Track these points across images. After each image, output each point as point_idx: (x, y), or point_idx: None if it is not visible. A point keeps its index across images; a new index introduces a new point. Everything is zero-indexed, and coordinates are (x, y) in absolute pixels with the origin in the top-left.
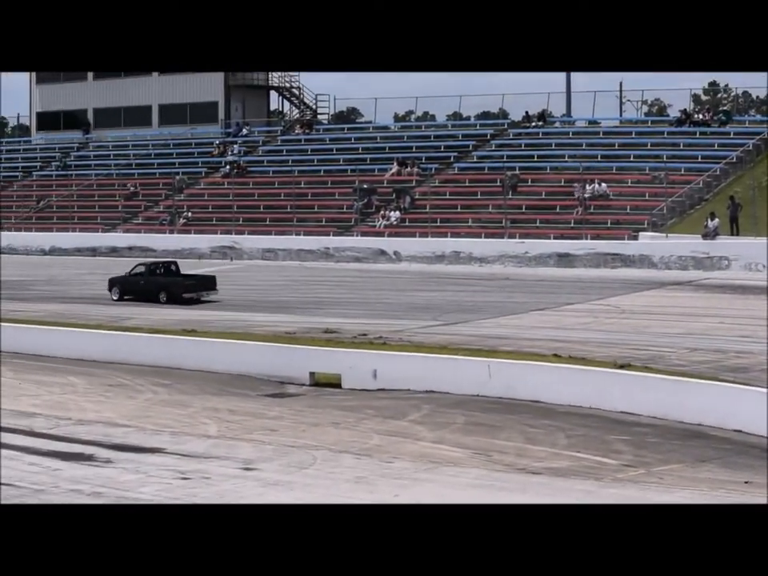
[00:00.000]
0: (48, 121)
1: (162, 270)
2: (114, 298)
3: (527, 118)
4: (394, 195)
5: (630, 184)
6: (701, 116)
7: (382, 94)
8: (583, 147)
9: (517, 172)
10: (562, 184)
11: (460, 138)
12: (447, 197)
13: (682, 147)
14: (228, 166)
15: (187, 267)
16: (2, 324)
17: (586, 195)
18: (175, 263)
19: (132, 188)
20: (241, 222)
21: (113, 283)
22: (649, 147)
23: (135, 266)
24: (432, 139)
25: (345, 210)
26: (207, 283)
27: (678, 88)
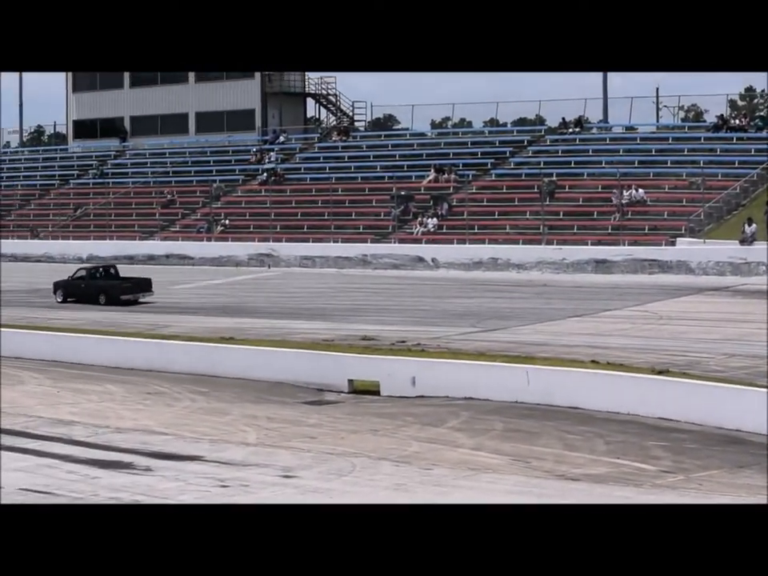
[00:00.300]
0: (85, 129)
1: (102, 274)
2: (58, 300)
3: (564, 124)
4: (432, 202)
5: (667, 190)
6: (737, 121)
7: (418, 101)
8: (620, 153)
9: (554, 178)
10: (600, 190)
11: (497, 145)
12: (484, 203)
13: (718, 153)
14: (265, 174)
15: (225, 275)
16: (40, 332)
17: (624, 201)
18: (114, 267)
19: (169, 196)
20: (278, 230)
21: (57, 286)
22: (686, 153)
23: (77, 271)
24: (469, 146)
25: (382, 217)
26: (143, 285)
27: (715, 93)
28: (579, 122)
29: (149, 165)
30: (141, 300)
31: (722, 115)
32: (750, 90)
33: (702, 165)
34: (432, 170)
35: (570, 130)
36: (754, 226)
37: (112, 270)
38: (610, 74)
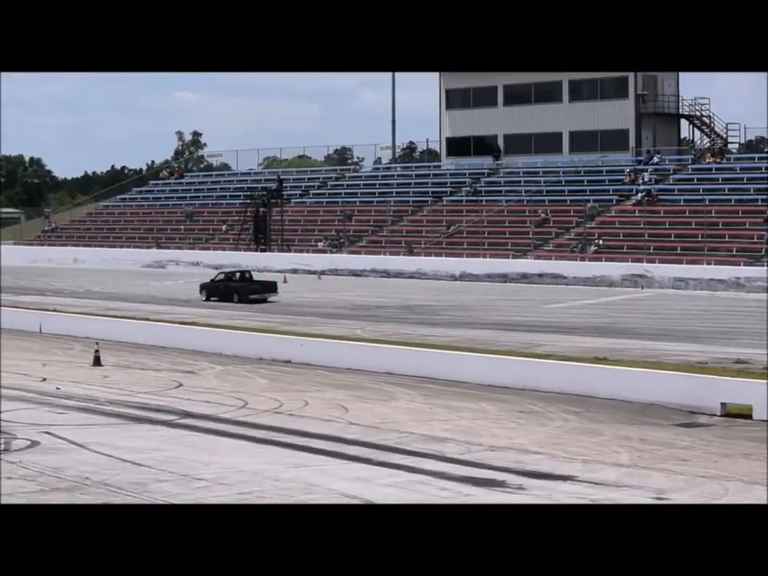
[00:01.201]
0: (458, 146)
1: (237, 277)
2: (203, 299)
3: None
4: None
5: None
6: None
7: None
8: None
9: None
10: None
11: None
12: None
13: None
14: (639, 194)
15: (597, 295)
16: (413, 348)
17: None
18: (249, 272)
19: (543, 214)
20: (651, 250)
21: (202, 288)
22: None
23: (217, 274)
24: None
25: (755, 239)
26: (270, 287)
27: None
28: None
29: (522, 183)
30: (269, 300)
31: None
32: None
33: None
34: None
35: None
36: None
37: (246, 275)
38: None
